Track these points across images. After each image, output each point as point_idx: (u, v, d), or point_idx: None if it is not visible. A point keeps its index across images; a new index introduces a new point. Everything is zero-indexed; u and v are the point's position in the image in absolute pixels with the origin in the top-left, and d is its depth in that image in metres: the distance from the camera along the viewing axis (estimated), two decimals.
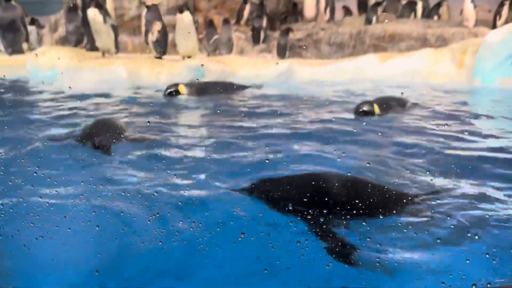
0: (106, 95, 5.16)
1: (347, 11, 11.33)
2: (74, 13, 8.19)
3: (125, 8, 9.70)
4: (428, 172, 2.34)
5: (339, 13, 10.96)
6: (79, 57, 6.47)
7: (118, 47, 6.61)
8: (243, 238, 1.55)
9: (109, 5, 7.21)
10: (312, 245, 1.55)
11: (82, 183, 2.14)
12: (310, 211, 1.75)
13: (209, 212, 1.81)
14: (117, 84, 5.77)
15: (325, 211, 1.76)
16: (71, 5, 8.34)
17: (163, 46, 6.74)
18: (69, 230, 1.66)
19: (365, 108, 3.88)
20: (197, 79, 5.73)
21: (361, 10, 10.21)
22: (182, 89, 4.97)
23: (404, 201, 1.93)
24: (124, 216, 1.79)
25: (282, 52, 9.14)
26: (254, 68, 6.97)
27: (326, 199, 1.79)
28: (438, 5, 10.44)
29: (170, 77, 6.18)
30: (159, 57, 6.77)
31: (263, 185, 1.92)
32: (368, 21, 9.18)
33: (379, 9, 9.64)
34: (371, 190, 1.89)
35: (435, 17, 10.12)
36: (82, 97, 5.03)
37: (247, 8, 10.38)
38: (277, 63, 7.25)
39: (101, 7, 6.17)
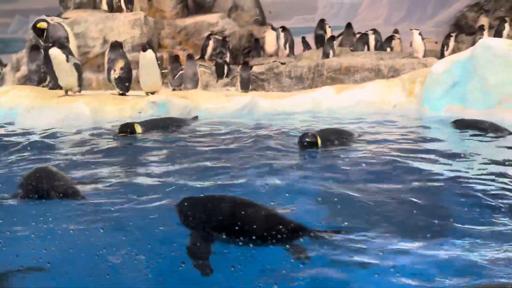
0: (64, 134, 5.19)
1: (306, 44, 11.91)
2: (36, 52, 8.20)
3: (89, 46, 9.84)
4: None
5: (298, 47, 11.50)
6: (41, 96, 6.50)
7: (81, 85, 6.67)
8: None
9: (73, 43, 7.31)
10: None
11: None
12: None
13: None
14: (79, 121, 5.82)
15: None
16: (34, 44, 8.38)
17: (125, 83, 6.86)
18: None
19: (308, 140, 3.96)
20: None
21: (319, 44, 10.77)
22: (138, 128, 4.90)
23: (291, 232, 2.04)
24: None
25: (245, 85, 9.44)
26: (218, 102, 7.18)
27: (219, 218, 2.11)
28: (390, 38, 11.19)
29: (134, 112, 6.30)
30: (123, 94, 6.88)
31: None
32: (325, 55, 9.70)
33: (335, 43, 10.24)
34: (256, 215, 2.08)
35: (388, 49, 10.82)
36: (37, 135, 5.05)
37: (211, 44, 10.74)
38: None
39: (64, 46, 6.27)
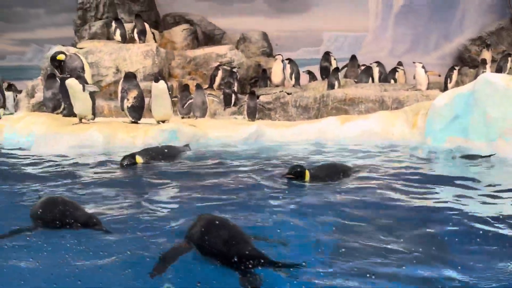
0: (77, 162, 5.33)
1: (311, 75, 12.22)
2: (52, 81, 8.55)
3: (102, 75, 10.20)
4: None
5: (304, 78, 11.81)
6: (56, 123, 6.75)
7: (95, 114, 6.94)
8: None
9: (88, 73, 7.64)
10: None
11: None
12: None
13: None
14: (93, 149, 6.03)
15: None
16: (50, 73, 8.73)
17: (138, 112, 7.12)
18: None
19: (294, 173, 3.93)
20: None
21: (324, 75, 11.06)
22: (139, 158, 4.90)
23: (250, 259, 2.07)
24: None
25: (252, 114, 9.68)
26: (225, 130, 7.39)
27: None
28: (394, 70, 11.47)
29: (145, 140, 6.51)
30: (135, 122, 7.12)
31: None
32: (331, 86, 9.96)
33: (340, 75, 10.52)
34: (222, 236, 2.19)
35: (392, 81, 11.08)
36: (53, 162, 5.21)
37: (219, 74, 11.08)
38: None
39: (80, 77, 6.57)
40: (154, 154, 5.14)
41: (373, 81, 10.78)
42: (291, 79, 10.96)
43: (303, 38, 13.34)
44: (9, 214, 3.05)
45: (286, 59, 11.15)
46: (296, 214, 3.03)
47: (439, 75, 10.93)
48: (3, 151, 6.16)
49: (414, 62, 10.21)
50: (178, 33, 12.55)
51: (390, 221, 2.88)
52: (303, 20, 13.24)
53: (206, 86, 11.35)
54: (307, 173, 3.96)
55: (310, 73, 12.29)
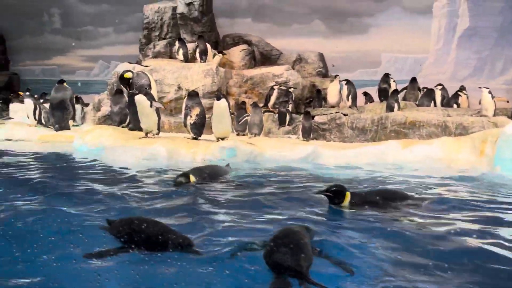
0: (143, 173, 5.58)
1: (368, 97, 12.03)
2: (119, 96, 9.09)
3: (165, 92, 10.67)
4: None
5: (360, 99, 11.65)
6: (123, 136, 7.12)
7: (159, 129, 7.24)
8: None
9: (154, 89, 8.00)
10: None
11: None
12: None
13: None
14: (156, 162, 6.28)
15: None
16: (118, 89, 9.28)
17: (199, 128, 7.35)
18: None
19: (332, 192, 3.66)
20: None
21: (382, 97, 10.85)
22: (193, 177, 4.85)
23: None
24: None
25: (306, 134, 9.66)
26: (282, 149, 7.42)
27: None
28: (457, 94, 11.02)
29: (205, 156, 6.70)
30: (196, 138, 7.35)
31: None
32: (390, 108, 9.74)
33: (399, 97, 10.27)
34: None
35: (454, 106, 10.64)
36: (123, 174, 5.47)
37: (275, 93, 11.21)
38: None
39: (148, 93, 6.92)
40: (205, 173, 5.10)
41: (435, 104, 10.41)
42: (347, 100, 10.86)
43: (360, 59, 13.23)
44: (86, 230, 2.99)
45: (344, 80, 11.09)
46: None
47: (507, 101, 10.37)
48: (73, 161, 6.57)
49: (480, 87, 9.77)
50: (236, 53, 12.90)
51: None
52: (361, 42, 13.15)
53: (261, 105, 11.52)
54: (347, 196, 3.60)
55: (366, 94, 12.12)
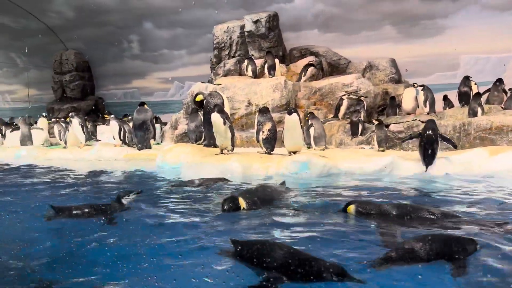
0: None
1: (447, 102, 11.34)
2: (195, 115, 9.55)
3: (236, 108, 10.99)
4: None
5: (438, 105, 11.01)
6: (200, 154, 7.45)
7: (234, 145, 7.46)
8: None
9: (227, 107, 8.29)
10: None
11: None
12: None
13: None
14: (232, 177, 6.46)
15: None
16: (194, 108, 9.75)
17: (271, 143, 7.45)
18: None
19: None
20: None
21: (463, 102, 10.17)
22: (242, 202, 4.23)
23: None
24: None
25: (382, 143, 9.34)
26: (357, 161, 7.23)
27: None
28: None
29: (278, 170, 6.76)
30: (268, 153, 7.46)
31: None
32: (473, 113, 9.08)
33: (482, 100, 9.54)
34: None
35: None
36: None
37: (344, 103, 11.02)
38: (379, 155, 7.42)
39: (222, 111, 7.19)
40: (256, 196, 4.43)
41: None
42: (425, 106, 10.32)
43: (436, 63, 12.55)
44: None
45: (420, 85, 10.58)
46: None
47: None
48: (157, 178, 6.98)
49: None
50: (304, 65, 12.92)
51: None
52: (436, 44, 12.48)
53: (331, 115, 11.39)
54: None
55: (446, 99, 11.43)
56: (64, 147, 11.79)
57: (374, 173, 6.73)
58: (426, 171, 6.73)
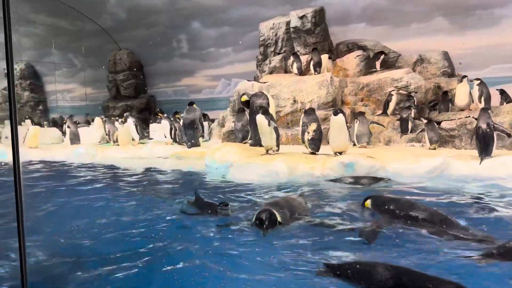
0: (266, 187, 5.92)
1: (504, 96, 10.72)
2: (242, 114, 9.76)
3: (281, 106, 11.06)
4: None
5: (495, 99, 10.44)
6: (246, 153, 7.63)
7: (279, 145, 7.56)
8: None
9: (272, 107, 8.40)
10: None
11: None
12: None
13: None
14: (278, 177, 6.59)
15: None
16: (240, 107, 9.96)
17: (317, 144, 7.48)
18: None
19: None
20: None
21: None
22: (279, 216, 3.81)
23: None
24: None
25: (433, 141, 9.06)
26: (405, 162, 7.08)
27: None
28: None
29: (323, 171, 6.79)
30: (313, 153, 7.49)
31: None
32: None
33: None
34: None
35: None
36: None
37: (393, 99, 10.75)
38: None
39: (267, 113, 7.31)
40: (286, 209, 4.11)
41: None
42: (479, 101, 9.83)
43: (493, 55, 11.84)
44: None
45: (475, 79, 10.07)
46: None
47: None
48: (208, 178, 7.27)
49: None
50: (351, 60, 12.70)
51: None
52: (493, 35, 11.77)
53: (380, 112, 11.15)
54: None
55: (503, 93, 10.80)
56: (115, 145, 12.45)
57: (424, 175, 6.56)
58: (480, 163, 6.55)
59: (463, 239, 3.38)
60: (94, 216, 4.75)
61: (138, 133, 12.11)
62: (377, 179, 6.26)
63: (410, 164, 6.86)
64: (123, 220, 4.57)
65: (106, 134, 13.43)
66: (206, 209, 4.55)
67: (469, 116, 9.24)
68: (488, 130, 6.86)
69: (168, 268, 3.13)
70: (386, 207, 4.02)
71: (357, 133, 9.46)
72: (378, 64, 12.36)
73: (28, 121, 16.09)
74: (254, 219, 3.88)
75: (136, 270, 3.10)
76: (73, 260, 3.36)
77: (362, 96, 11.69)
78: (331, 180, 6.38)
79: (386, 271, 2.58)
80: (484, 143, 6.84)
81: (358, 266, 2.75)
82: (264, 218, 3.74)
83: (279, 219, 3.82)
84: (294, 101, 11.04)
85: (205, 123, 13.77)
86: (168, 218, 4.57)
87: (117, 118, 14.81)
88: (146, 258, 3.33)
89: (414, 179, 6.36)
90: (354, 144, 9.46)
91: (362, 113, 9.97)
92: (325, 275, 2.78)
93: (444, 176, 6.46)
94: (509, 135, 7.26)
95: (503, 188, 5.61)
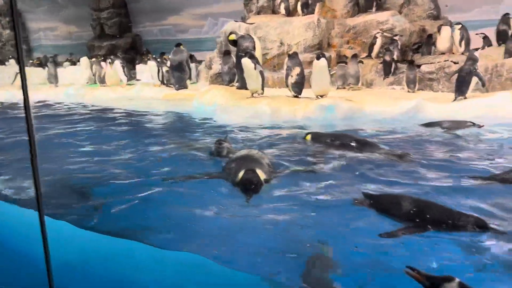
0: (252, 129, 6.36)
1: (486, 40, 10.95)
2: (228, 57, 9.90)
3: (268, 48, 11.17)
4: None
5: (478, 43, 10.68)
6: (233, 97, 7.95)
7: (263, 89, 7.88)
8: None
9: (258, 50, 8.57)
10: None
11: None
12: None
13: None
14: (262, 119, 7.00)
15: None
16: (226, 50, 10.07)
17: (300, 87, 7.80)
18: None
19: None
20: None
21: (501, 41, 9.85)
22: (262, 174, 3.66)
23: None
24: None
25: (411, 84, 9.42)
26: (382, 105, 7.51)
27: None
28: None
29: (305, 114, 7.20)
30: (296, 96, 7.85)
31: None
32: (509, 53, 8.88)
33: None
34: None
35: None
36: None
37: (378, 42, 10.92)
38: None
39: (252, 56, 7.52)
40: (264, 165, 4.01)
41: None
42: (460, 45, 10.10)
43: None
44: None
45: (456, 24, 10.25)
46: None
47: None
48: (197, 120, 7.65)
49: None
50: (340, 1, 12.60)
51: None
52: None
53: (365, 54, 11.35)
54: None
55: (485, 37, 11.02)
56: (103, 86, 12.54)
57: (397, 116, 7.01)
58: (454, 101, 7.17)
59: (383, 154, 4.65)
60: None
61: (125, 74, 12.20)
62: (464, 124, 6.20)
63: (387, 106, 7.28)
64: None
65: (93, 75, 13.45)
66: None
67: (448, 60, 9.55)
68: (469, 74, 7.41)
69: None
70: (322, 139, 5.18)
71: (346, 74, 9.81)
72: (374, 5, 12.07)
73: (12, 61, 15.88)
74: (238, 181, 3.54)
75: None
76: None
77: (348, 38, 11.80)
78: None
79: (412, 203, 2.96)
80: (462, 84, 7.45)
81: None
82: (250, 181, 3.46)
83: (264, 177, 3.62)
84: (281, 43, 11.14)
85: (192, 65, 13.80)
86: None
87: (103, 58, 14.69)
88: None
89: (388, 121, 6.81)
90: (340, 87, 9.82)
91: (355, 55, 10.18)
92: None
93: (417, 118, 6.92)
94: (483, 85, 7.65)
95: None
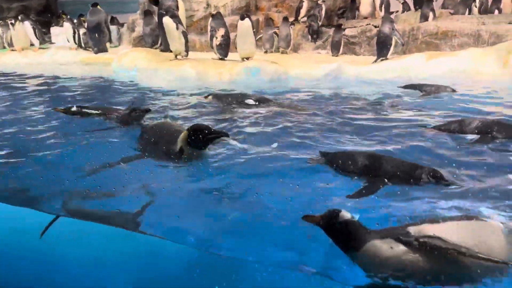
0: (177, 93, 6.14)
1: (405, 5, 11.45)
2: (150, 18, 9.36)
3: (194, 10, 10.75)
4: None
5: (398, 7, 11.12)
6: (155, 59, 7.58)
7: (187, 51, 7.59)
8: None
9: (181, 10, 8.19)
10: None
11: None
12: None
13: None
14: (186, 83, 6.77)
15: None
16: (146, 10, 9.50)
17: (225, 49, 7.62)
18: None
19: None
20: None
21: (417, 5, 10.33)
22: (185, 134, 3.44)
23: None
24: None
25: (335, 48, 9.64)
26: (306, 68, 7.62)
27: None
28: None
29: (231, 76, 7.08)
30: (222, 59, 7.67)
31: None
32: (424, 18, 9.34)
33: (434, 4, 9.73)
34: None
35: (496, 11, 9.99)
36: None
37: (305, 6, 10.95)
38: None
39: (174, 16, 7.17)
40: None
41: (469, 12, 9.82)
42: (380, 10, 10.45)
43: None
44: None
45: None
46: None
47: None
48: (115, 83, 7.19)
49: None
50: None
51: None
52: None
53: (292, 19, 11.34)
54: None
55: (404, 3, 11.52)
56: (13, 50, 11.37)
57: (320, 78, 7.16)
58: (375, 62, 7.62)
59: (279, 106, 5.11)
60: None
61: (37, 37, 11.12)
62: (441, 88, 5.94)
63: (310, 69, 7.40)
64: None
65: (0, 38, 12.11)
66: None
67: (370, 24, 9.86)
68: (388, 34, 7.80)
69: None
70: (223, 99, 5.40)
71: (279, 38, 9.77)
72: None
73: None
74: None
75: None
76: None
77: (276, 1, 11.69)
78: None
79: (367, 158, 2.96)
80: (383, 45, 7.84)
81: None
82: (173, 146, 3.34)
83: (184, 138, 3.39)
84: (207, 5, 10.76)
85: (114, 27, 12.92)
86: None
87: (12, 20, 13.24)
88: None
89: (312, 83, 6.93)
90: (268, 51, 9.78)
91: (285, 18, 10.11)
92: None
93: (337, 79, 7.12)
94: (402, 44, 8.07)
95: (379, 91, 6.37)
